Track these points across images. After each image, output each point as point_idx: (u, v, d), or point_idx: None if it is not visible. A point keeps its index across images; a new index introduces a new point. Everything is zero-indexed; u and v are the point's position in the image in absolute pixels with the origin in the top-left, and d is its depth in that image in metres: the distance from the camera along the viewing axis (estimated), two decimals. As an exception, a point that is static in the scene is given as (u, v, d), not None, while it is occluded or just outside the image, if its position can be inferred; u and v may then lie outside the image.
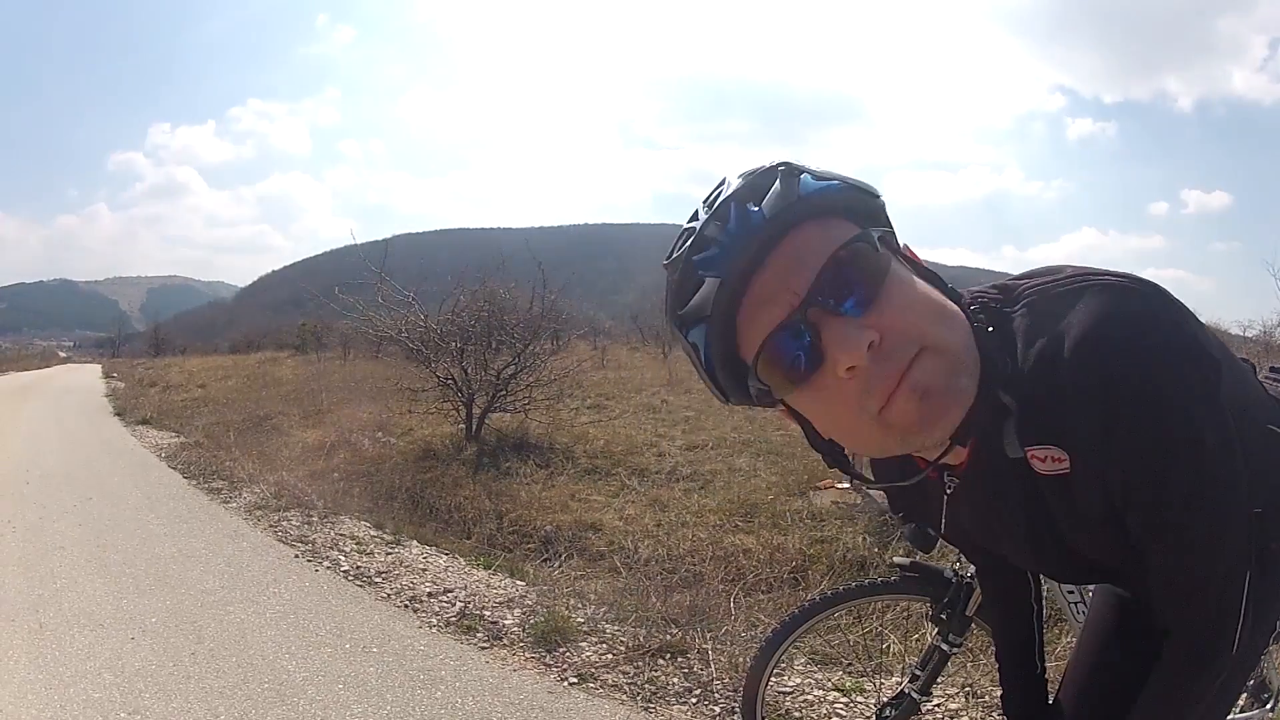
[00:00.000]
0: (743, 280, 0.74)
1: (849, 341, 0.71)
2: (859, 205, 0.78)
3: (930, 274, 0.81)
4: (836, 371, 0.72)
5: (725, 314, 0.75)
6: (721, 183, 0.79)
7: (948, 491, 0.94)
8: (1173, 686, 0.86)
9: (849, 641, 2.92)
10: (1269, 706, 1.87)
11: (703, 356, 0.79)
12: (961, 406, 0.75)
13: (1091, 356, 0.73)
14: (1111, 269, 0.80)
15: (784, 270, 0.73)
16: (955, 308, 0.79)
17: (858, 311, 0.72)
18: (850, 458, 0.91)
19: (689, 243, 0.76)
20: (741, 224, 0.74)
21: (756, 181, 0.76)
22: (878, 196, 0.79)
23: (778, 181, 0.75)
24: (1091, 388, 0.73)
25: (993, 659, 1.32)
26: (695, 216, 0.78)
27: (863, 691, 2.75)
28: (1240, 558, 0.80)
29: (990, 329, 0.79)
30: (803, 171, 0.76)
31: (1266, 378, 1.08)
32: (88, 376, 23.82)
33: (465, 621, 3.54)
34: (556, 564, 4.60)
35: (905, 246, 0.81)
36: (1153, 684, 0.87)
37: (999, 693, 1.27)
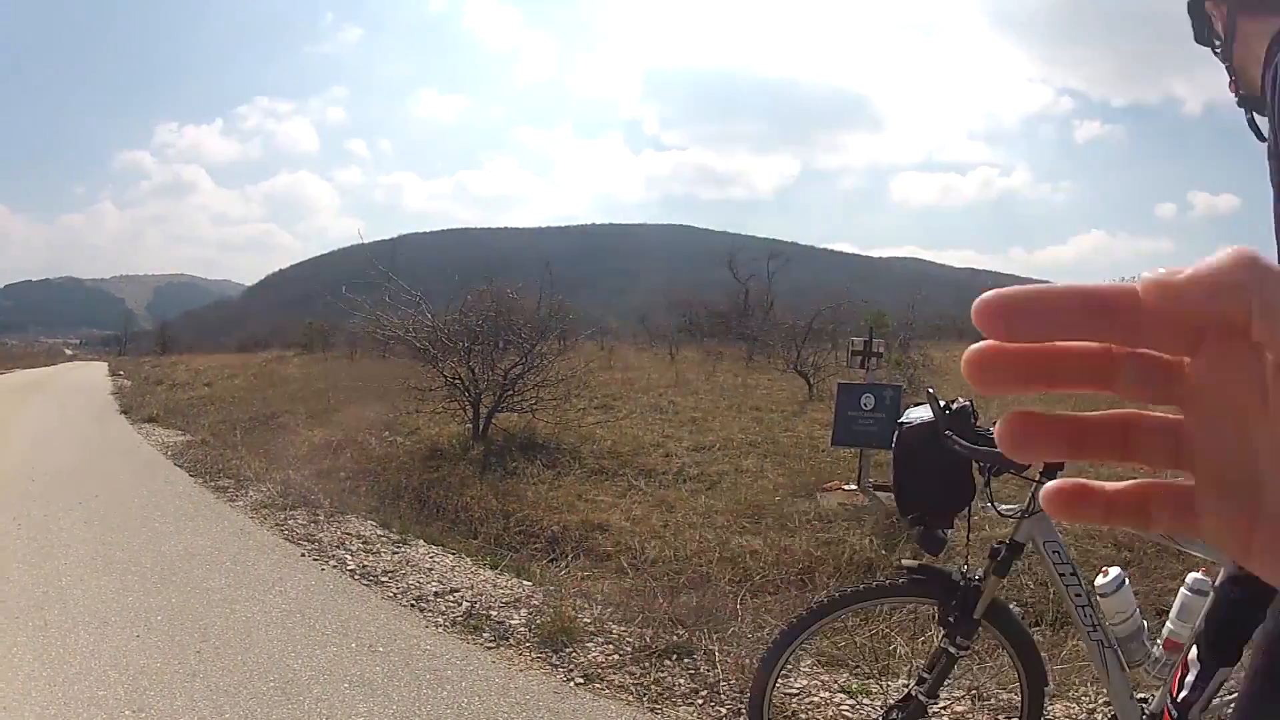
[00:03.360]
0: None
1: None
2: None
3: None
4: None
5: None
6: None
7: None
8: None
9: (856, 644, 2.91)
10: None
11: None
12: None
13: None
14: None
15: None
16: None
17: None
18: None
19: None
20: None
21: None
22: None
23: None
24: None
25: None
26: None
27: (869, 694, 2.73)
28: None
29: None
30: None
31: None
32: (94, 374, 23.95)
33: (471, 621, 3.53)
34: (563, 564, 4.59)
35: None
36: None
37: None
